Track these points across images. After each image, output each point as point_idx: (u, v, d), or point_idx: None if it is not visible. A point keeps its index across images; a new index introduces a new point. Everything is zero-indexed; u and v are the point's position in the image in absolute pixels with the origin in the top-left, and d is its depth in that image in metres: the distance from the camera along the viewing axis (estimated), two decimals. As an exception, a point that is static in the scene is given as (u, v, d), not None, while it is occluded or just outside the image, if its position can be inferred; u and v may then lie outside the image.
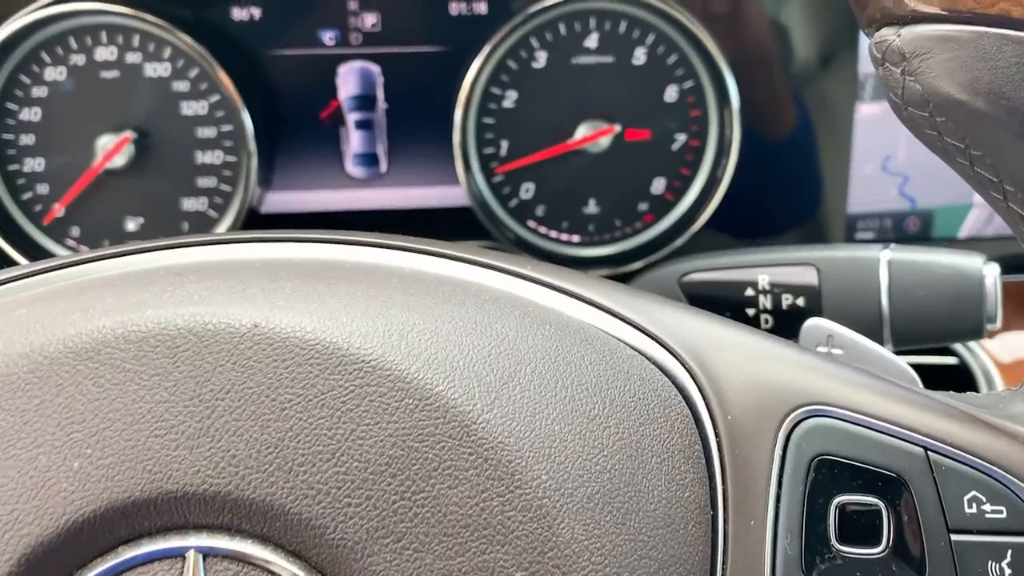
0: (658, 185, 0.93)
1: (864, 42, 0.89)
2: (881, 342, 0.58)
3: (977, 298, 0.55)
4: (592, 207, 0.94)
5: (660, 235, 0.94)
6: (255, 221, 0.93)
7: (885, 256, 0.57)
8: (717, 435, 0.39)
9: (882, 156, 0.93)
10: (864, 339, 0.49)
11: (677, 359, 0.41)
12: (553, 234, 0.94)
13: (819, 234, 0.95)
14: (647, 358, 0.41)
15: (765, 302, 0.61)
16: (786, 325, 0.61)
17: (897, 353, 0.58)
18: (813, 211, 0.94)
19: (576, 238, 0.95)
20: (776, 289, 0.61)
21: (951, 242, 0.95)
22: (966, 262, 0.56)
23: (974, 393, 0.43)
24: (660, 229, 0.94)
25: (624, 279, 0.93)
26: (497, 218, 0.93)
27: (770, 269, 0.61)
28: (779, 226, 0.95)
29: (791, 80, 0.91)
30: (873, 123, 0.92)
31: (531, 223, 0.94)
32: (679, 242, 0.92)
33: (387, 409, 0.34)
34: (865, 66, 0.90)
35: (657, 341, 0.41)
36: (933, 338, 0.57)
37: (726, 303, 0.63)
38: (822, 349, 0.50)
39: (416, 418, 0.34)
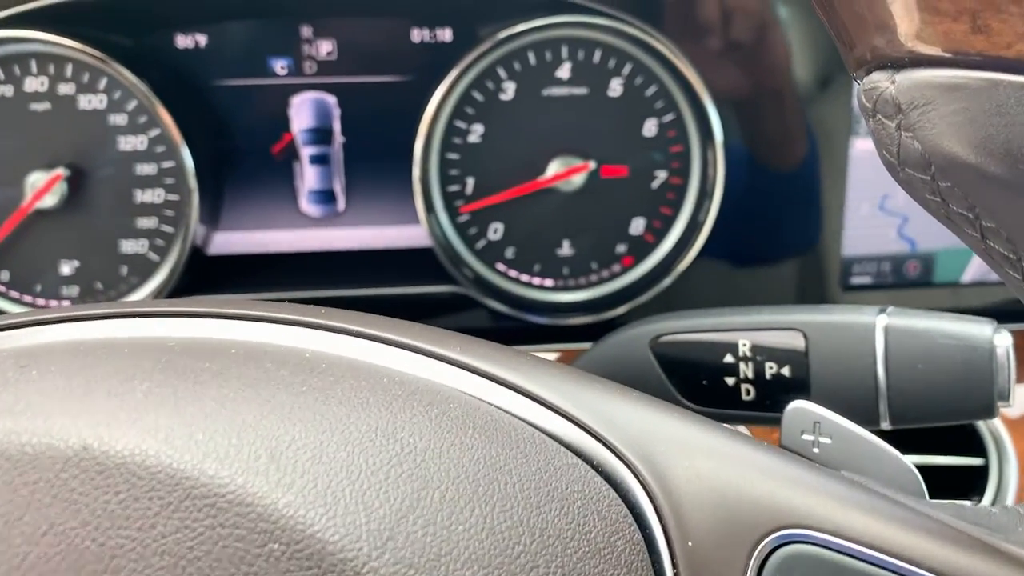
0: (637, 226, 0.86)
1: (858, 72, 0.82)
2: (876, 419, 0.51)
3: (987, 373, 0.47)
4: (566, 249, 0.87)
5: (640, 279, 0.87)
6: (201, 263, 0.86)
7: (881, 322, 0.50)
8: (675, 567, 0.32)
9: (879, 195, 0.86)
10: (857, 429, 0.42)
11: (629, 468, 0.34)
12: (524, 278, 0.87)
13: (812, 279, 0.88)
14: (593, 467, 0.34)
15: (746, 370, 0.54)
16: (770, 397, 0.54)
17: (894, 431, 0.51)
18: (805, 254, 0.87)
19: (549, 282, 0.88)
20: (759, 356, 0.54)
21: (954, 287, 0.88)
22: (974, 331, 0.48)
23: (988, 507, 0.35)
24: (640, 272, 0.87)
25: (601, 329, 0.86)
26: (463, 261, 0.86)
27: (752, 333, 0.54)
28: (768, 271, 0.88)
29: (780, 113, 0.84)
30: (869, 159, 0.85)
31: (500, 266, 0.87)
32: (660, 287, 0.85)
33: (245, 558, 0.27)
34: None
35: (605, 445, 0.34)
36: (936, 417, 0.49)
37: (703, 369, 0.55)
38: (808, 438, 0.43)
39: (283, 569, 0.27)
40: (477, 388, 0.36)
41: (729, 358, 0.55)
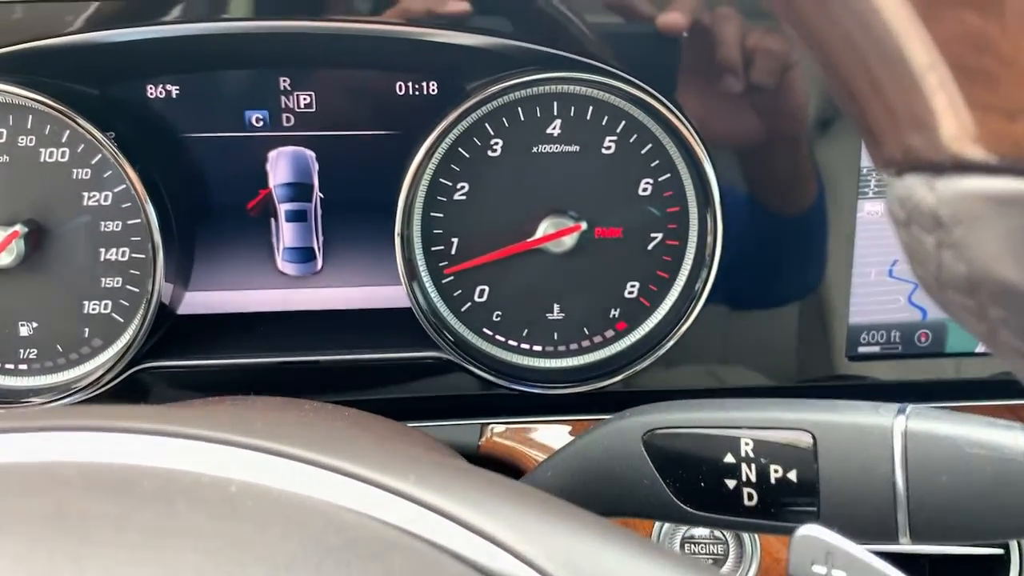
0: (632, 289, 0.81)
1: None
2: (894, 534, 0.46)
3: (1021, 488, 0.42)
4: (556, 313, 0.82)
5: (634, 345, 0.82)
6: (170, 324, 0.81)
7: (899, 425, 0.45)
8: None
9: (888, 259, 0.81)
10: (875, 561, 0.37)
11: None
12: (512, 342, 0.82)
13: (816, 348, 0.83)
14: None
15: (748, 472, 0.49)
16: (775, 503, 0.49)
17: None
18: (810, 321, 0.82)
19: (538, 347, 0.82)
20: (763, 457, 0.49)
21: (968, 356, 0.83)
22: (1006, 439, 0.43)
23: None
24: (634, 339, 0.82)
25: (592, 400, 0.80)
26: (446, 324, 0.81)
27: (755, 431, 0.49)
28: (769, 338, 0.82)
29: (784, 172, 0.79)
30: (878, 222, 0.80)
31: (486, 330, 0.82)
32: (655, 355, 0.79)
33: None
34: (867, 159, 0.79)
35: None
36: (964, 535, 0.44)
37: (700, 469, 0.50)
38: (819, 570, 0.38)
39: None
40: (402, 516, 0.31)
41: (729, 458, 0.50)
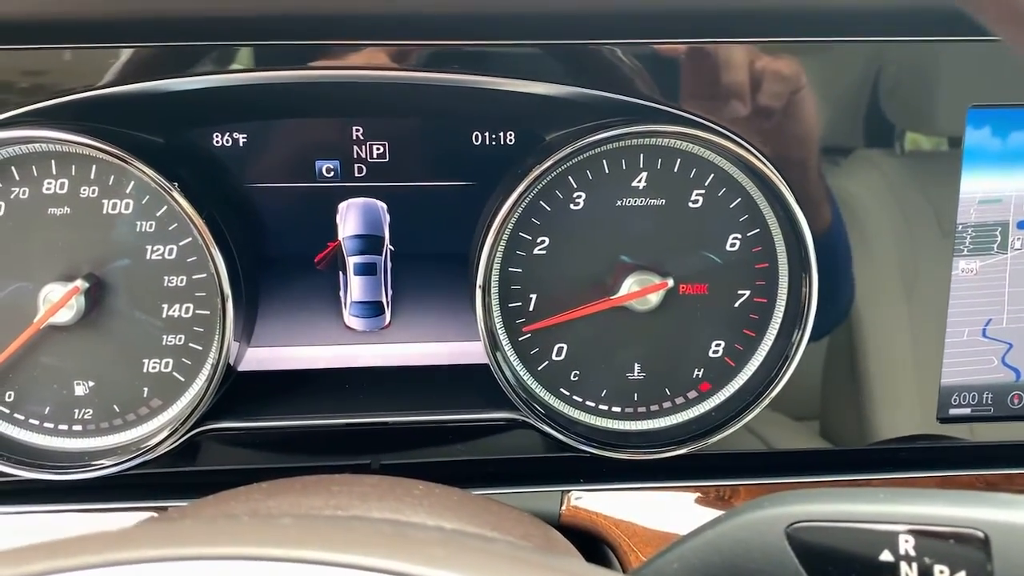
0: (716, 348, 0.78)
1: (964, 190, 0.75)
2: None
3: None
4: (637, 373, 0.78)
5: (718, 407, 0.78)
6: (232, 382, 0.77)
7: (1092, 529, 0.42)
8: None
9: (983, 319, 0.78)
10: None
11: None
12: (590, 403, 0.79)
13: (907, 409, 0.79)
14: None
15: (909, 572, 0.45)
16: (942, 610, 0.45)
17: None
18: (901, 382, 0.79)
19: (617, 409, 0.79)
20: (926, 556, 0.45)
21: (1062, 419, 0.80)
22: None
23: None
24: (718, 400, 0.78)
25: (678, 468, 0.77)
26: (523, 384, 0.77)
27: (916, 527, 0.45)
28: (860, 398, 0.79)
29: (877, 229, 0.76)
30: (972, 280, 0.77)
31: (563, 390, 0.78)
32: (745, 419, 0.76)
33: None
34: (963, 215, 0.76)
35: None
36: None
37: (853, 567, 0.46)
38: None
39: None
40: None
41: (887, 555, 0.46)
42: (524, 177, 0.71)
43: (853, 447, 0.79)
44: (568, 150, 0.70)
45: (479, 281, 0.73)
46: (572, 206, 0.75)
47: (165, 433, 0.74)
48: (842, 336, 0.77)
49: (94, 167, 0.72)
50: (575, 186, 0.74)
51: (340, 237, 0.78)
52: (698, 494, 0.77)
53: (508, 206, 0.71)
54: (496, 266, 0.75)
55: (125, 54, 0.70)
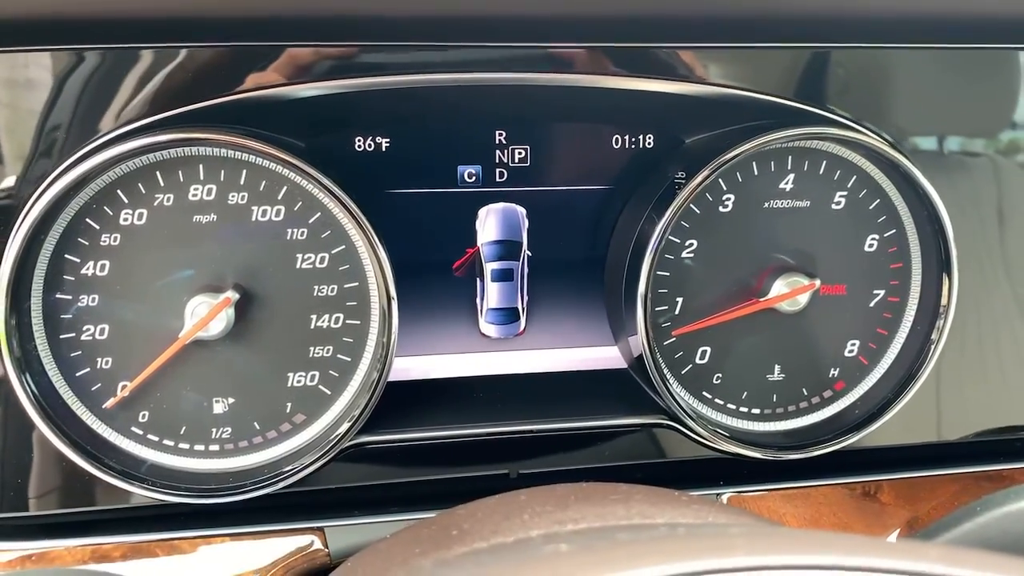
0: (852, 348, 0.79)
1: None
2: None
3: None
4: (777, 374, 0.79)
5: (852, 405, 0.80)
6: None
7: None
8: None
9: (1092, 312, 0.82)
10: None
11: None
12: (731, 406, 0.79)
13: (1020, 400, 0.83)
14: None
15: None
16: None
17: None
18: (1019, 374, 0.82)
19: (756, 411, 0.79)
20: None
21: None
22: None
23: None
24: (852, 399, 0.80)
25: (823, 466, 0.78)
26: (668, 388, 0.77)
27: None
28: (982, 392, 0.82)
29: (1014, 231, 0.79)
30: (1085, 276, 0.81)
31: (705, 393, 0.78)
32: (887, 416, 0.77)
33: None
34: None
35: None
36: None
37: None
38: None
39: None
40: None
41: None
42: (684, 185, 0.71)
43: (992, 438, 0.81)
44: (730, 155, 0.70)
45: (641, 290, 0.72)
46: (721, 208, 0.75)
47: (312, 451, 0.70)
48: (974, 336, 0.80)
49: (244, 172, 0.68)
50: (724, 188, 0.75)
51: (479, 243, 0.77)
52: (845, 491, 0.78)
53: (668, 217, 0.71)
54: (645, 270, 0.75)
55: (268, 55, 0.67)
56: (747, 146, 0.70)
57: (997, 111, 0.77)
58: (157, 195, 0.67)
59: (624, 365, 0.80)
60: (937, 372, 0.78)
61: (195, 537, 0.69)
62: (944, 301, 0.76)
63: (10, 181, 0.65)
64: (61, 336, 0.68)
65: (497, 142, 0.75)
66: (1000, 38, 0.75)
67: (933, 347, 0.77)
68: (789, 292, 0.75)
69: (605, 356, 0.80)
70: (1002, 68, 0.76)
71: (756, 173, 0.75)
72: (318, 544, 0.70)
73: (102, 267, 0.68)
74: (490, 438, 0.75)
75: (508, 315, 0.79)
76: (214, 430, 0.71)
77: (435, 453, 0.75)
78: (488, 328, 0.78)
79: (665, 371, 0.77)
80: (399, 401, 0.76)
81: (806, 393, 0.80)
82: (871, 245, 0.78)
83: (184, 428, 0.71)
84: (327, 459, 0.71)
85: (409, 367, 0.77)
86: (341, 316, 0.71)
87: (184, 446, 0.71)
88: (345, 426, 0.70)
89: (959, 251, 0.75)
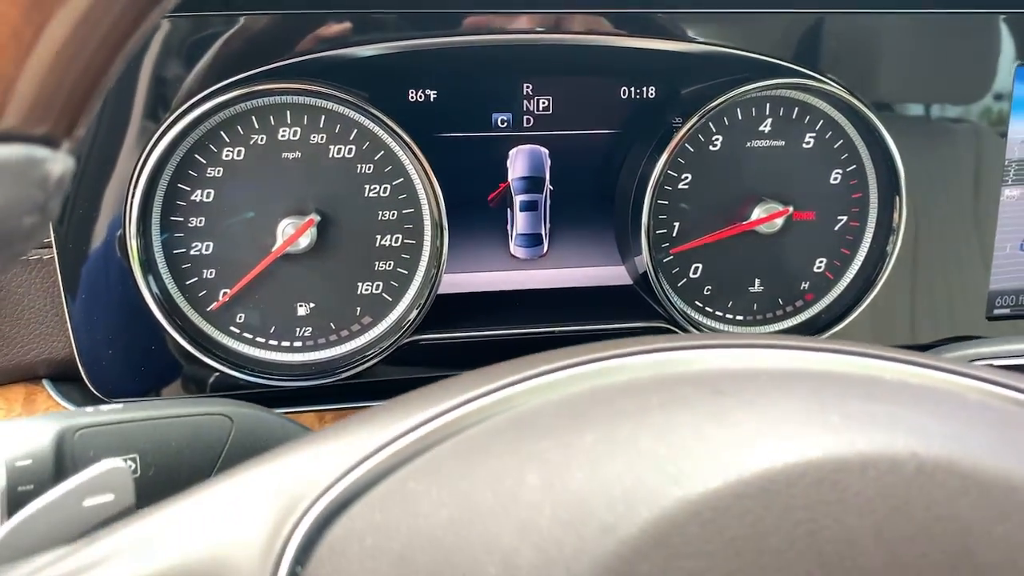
0: (819, 264, 0.95)
1: (1012, 132, 0.95)
2: None
3: None
4: (757, 287, 0.95)
5: (819, 313, 0.96)
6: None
7: None
8: None
9: (1020, 237, 0.98)
10: None
11: None
12: (719, 313, 0.95)
13: (963, 310, 0.99)
14: None
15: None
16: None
17: None
18: (959, 287, 0.98)
19: (740, 317, 0.96)
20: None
21: (1078, 315, 1.01)
22: None
23: None
24: (819, 308, 0.96)
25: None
26: (668, 298, 0.93)
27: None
28: (924, 303, 0.98)
29: (952, 166, 0.95)
30: (1014, 204, 0.97)
31: (698, 303, 0.95)
32: (849, 320, 0.94)
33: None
34: (1010, 152, 0.95)
35: None
36: None
37: None
38: None
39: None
40: None
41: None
42: (679, 128, 0.87)
43: (919, 343, 0.98)
44: (717, 102, 0.86)
45: (644, 217, 0.87)
46: (711, 147, 0.91)
47: (377, 345, 0.87)
48: (911, 251, 0.96)
49: (323, 117, 0.84)
50: (714, 131, 0.90)
51: (509, 179, 0.92)
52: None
53: (666, 156, 0.87)
54: (647, 200, 0.91)
55: (340, 19, 0.82)
56: (732, 94, 0.86)
57: (934, 67, 0.92)
58: (252, 136, 0.83)
59: (630, 281, 0.96)
60: (890, 283, 0.94)
61: (289, 413, 0.85)
62: (895, 223, 0.92)
63: (137, 125, 0.80)
64: (175, 251, 0.84)
65: (524, 93, 0.90)
66: (943, 3, 0.90)
67: (887, 261, 0.93)
68: (767, 216, 0.91)
69: (614, 274, 0.96)
70: (935, 31, 0.92)
71: (740, 117, 0.91)
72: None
73: (208, 195, 0.83)
74: (524, 338, 0.92)
75: (533, 240, 0.94)
76: (298, 329, 0.87)
77: (474, 350, 0.91)
78: (517, 250, 0.94)
79: (664, 284, 0.93)
80: (444, 310, 0.92)
81: (781, 303, 0.96)
82: (835, 178, 0.94)
83: (273, 328, 0.87)
84: (390, 352, 0.87)
85: (456, 281, 0.93)
86: (400, 236, 0.87)
87: (273, 343, 0.87)
88: (406, 325, 0.87)
89: (907, 182, 0.91)
